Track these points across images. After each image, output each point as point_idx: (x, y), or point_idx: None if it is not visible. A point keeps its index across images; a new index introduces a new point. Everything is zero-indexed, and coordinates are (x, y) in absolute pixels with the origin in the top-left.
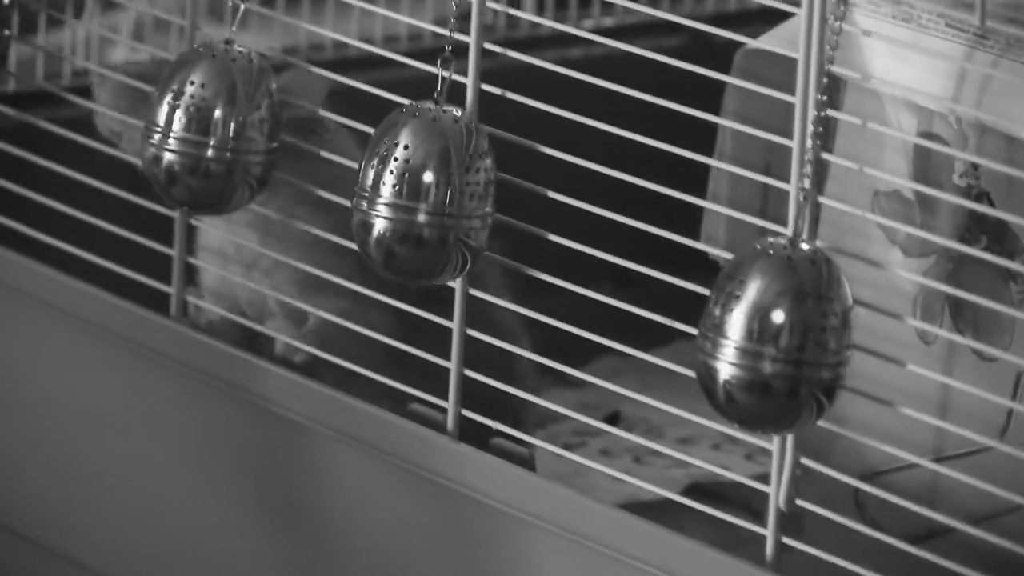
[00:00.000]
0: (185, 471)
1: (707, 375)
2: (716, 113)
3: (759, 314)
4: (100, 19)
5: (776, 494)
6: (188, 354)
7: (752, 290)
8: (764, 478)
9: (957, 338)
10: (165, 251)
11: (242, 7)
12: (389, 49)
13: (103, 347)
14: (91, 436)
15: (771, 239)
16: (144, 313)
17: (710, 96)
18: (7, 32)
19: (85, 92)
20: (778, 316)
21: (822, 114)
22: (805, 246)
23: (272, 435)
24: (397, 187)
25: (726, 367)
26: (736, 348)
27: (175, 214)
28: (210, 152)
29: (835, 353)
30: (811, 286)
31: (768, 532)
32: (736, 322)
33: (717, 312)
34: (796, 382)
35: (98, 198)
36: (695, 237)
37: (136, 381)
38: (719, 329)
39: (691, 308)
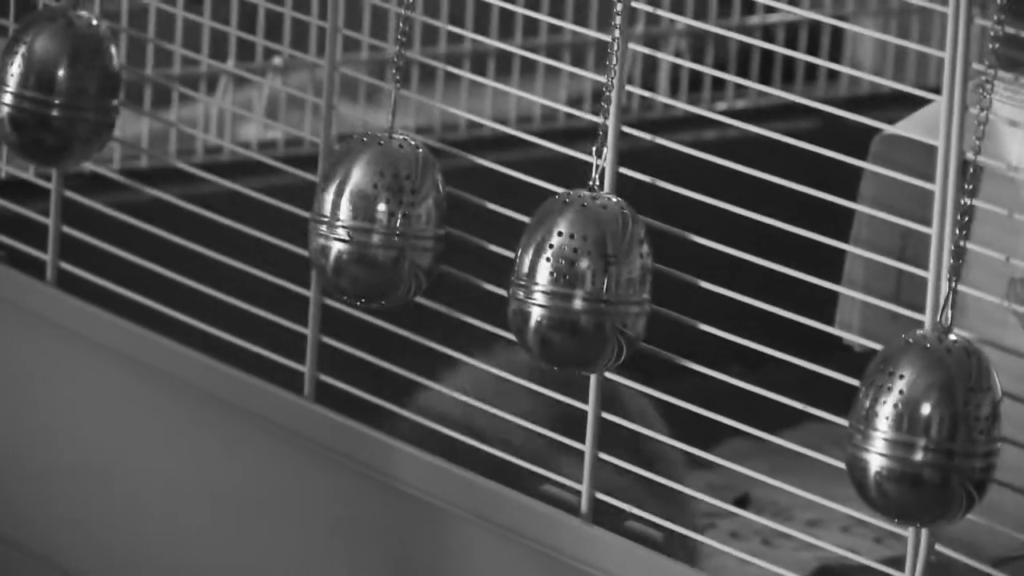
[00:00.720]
0: (317, 551)
1: (857, 467)
2: (849, 196)
3: (911, 406)
4: (233, 96)
5: None
6: (320, 432)
7: (904, 382)
8: (893, 561)
9: None
10: (300, 330)
11: (394, 93)
12: (522, 129)
13: (237, 424)
14: (220, 512)
15: (920, 331)
16: (277, 391)
17: (843, 179)
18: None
19: (217, 168)
20: (930, 408)
21: (965, 203)
22: (954, 337)
23: (402, 515)
24: (554, 275)
25: (876, 459)
26: (886, 440)
27: (310, 293)
28: (376, 238)
29: (985, 444)
30: (962, 377)
31: None
32: (887, 414)
33: (868, 404)
34: (947, 472)
35: (229, 274)
36: (827, 320)
37: (269, 458)
38: (870, 421)
39: (820, 390)
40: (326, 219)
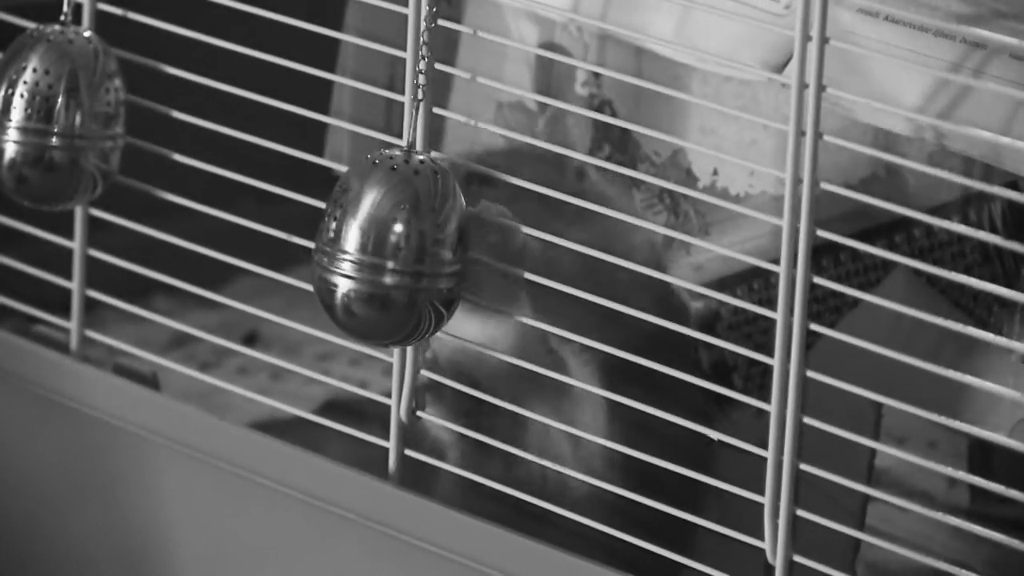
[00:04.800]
0: None
1: (325, 290)
2: (335, 27)
3: (374, 226)
4: None
5: (397, 407)
6: None
7: (367, 202)
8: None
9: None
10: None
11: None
12: None
13: None
14: None
15: (385, 151)
16: None
17: (330, 10)
18: None
19: None
20: (395, 228)
21: (433, 24)
22: (420, 157)
23: None
24: (28, 111)
25: (344, 281)
26: (353, 262)
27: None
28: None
29: (452, 263)
30: (426, 197)
31: (391, 445)
32: (352, 235)
33: (333, 226)
34: (415, 294)
35: None
36: (318, 152)
37: None
38: (335, 243)
39: None
40: None
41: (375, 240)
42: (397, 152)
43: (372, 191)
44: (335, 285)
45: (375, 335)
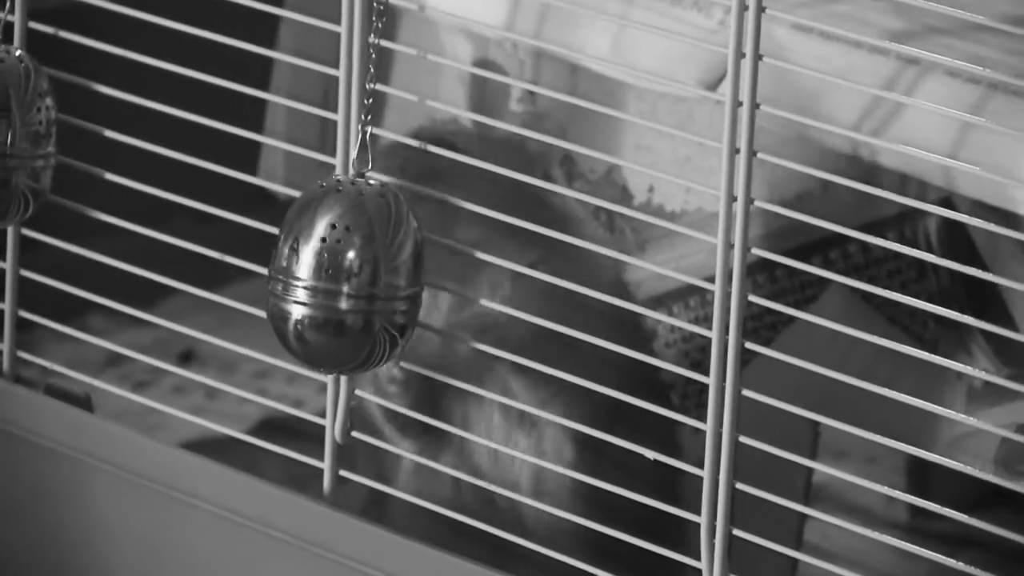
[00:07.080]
0: None
1: (279, 317)
2: (267, 45)
3: (329, 252)
4: None
5: (332, 427)
6: None
7: (320, 228)
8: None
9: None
10: None
11: None
12: None
13: None
14: None
15: (338, 176)
16: None
17: (262, 30)
18: None
19: None
20: (349, 253)
21: (374, 43)
22: (372, 181)
23: None
24: None
25: (298, 308)
26: (307, 288)
27: None
28: None
29: (406, 288)
30: (380, 222)
31: (325, 465)
32: (306, 261)
33: (286, 252)
34: (370, 318)
35: None
36: (251, 171)
37: None
38: (288, 270)
39: (259, 243)
40: None
41: (329, 266)
42: (347, 177)
43: (325, 216)
44: (288, 312)
45: (329, 362)
